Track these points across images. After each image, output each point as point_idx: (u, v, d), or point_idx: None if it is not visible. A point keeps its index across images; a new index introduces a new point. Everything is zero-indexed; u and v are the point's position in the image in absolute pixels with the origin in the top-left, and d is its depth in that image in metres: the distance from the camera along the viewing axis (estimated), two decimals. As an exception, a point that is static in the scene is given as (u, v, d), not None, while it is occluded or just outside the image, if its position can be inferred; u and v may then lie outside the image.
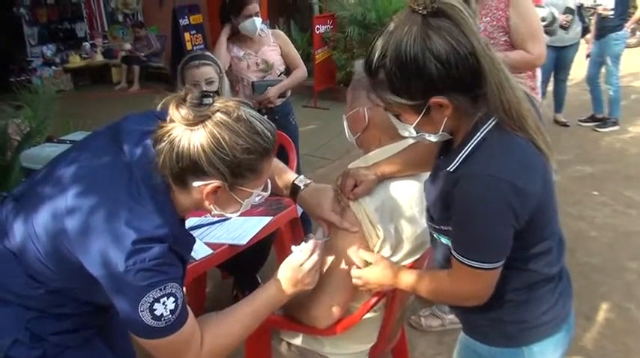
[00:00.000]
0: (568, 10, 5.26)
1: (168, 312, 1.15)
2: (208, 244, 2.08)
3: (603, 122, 5.82)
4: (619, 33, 5.53)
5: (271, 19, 7.22)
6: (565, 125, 5.93)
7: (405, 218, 1.50)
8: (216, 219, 2.21)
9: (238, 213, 1.30)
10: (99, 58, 10.60)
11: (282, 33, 3.54)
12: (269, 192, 1.33)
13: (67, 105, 4.87)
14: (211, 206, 1.25)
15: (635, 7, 5.94)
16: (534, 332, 1.26)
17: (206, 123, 1.14)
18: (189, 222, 2.19)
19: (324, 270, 1.49)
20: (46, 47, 10.51)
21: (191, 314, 1.24)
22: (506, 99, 1.09)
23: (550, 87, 5.90)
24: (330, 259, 1.49)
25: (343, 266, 1.48)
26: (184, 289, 1.23)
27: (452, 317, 2.66)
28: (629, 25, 5.72)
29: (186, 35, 8.22)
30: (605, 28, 5.54)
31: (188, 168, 1.16)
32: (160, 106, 1.20)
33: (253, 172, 1.21)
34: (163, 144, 1.16)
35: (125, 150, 1.22)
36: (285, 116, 3.38)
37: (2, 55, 9.57)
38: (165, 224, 1.16)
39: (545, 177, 1.15)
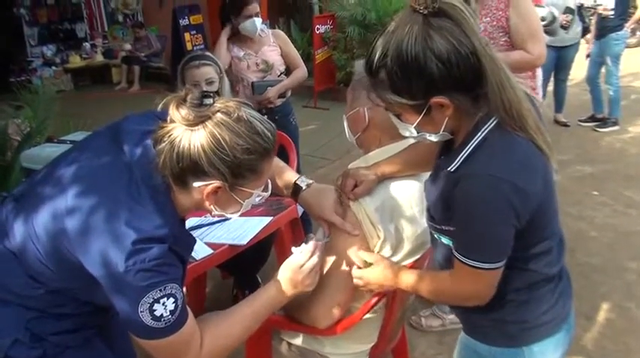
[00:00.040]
0: (568, 10, 5.26)
1: (168, 313, 1.15)
2: (208, 244, 2.09)
3: (603, 122, 5.82)
4: (619, 33, 5.53)
5: (271, 19, 7.22)
6: (565, 125, 5.93)
7: (405, 218, 1.50)
8: (216, 219, 2.21)
9: (239, 214, 1.30)
10: (99, 58, 10.60)
11: (282, 33, 3.54)
12: (269, 192, 1.33)
13: (67, 106, 4.87)
14: (212, 206, 1.25)
15: (635, 7, 5.94)
16: (534, 332, 1.26)
17: (206, 123, 1.14)
18: (190, 222, 2.19)
19: (325, 271, 1.49)
20: (46, 47, 10.52)
21: (191, 315, 1.24)
22: (507, 98, 1.09)
23: (550, 87, 5.90)
24: (330, 259, 1.49)
25: (344, 266, 1.48)
26: (184, 289, 1.23)
27: (452, 317, 2.66)
28: (629, 25, 5.72)
29: (187, 35, 8.22)
30: (606, 28, 5.54)
31: (188, 168, 1.16)
32: (160, 106, 1.20)
33: (253, 173, 1.21)
34: (164, 144, 1.16)
35: (125, 150, 1.22)
36: (285, 116, 3.38)
37: (2, 56, 9.57)
38: (166, 224, 1.16)
39: (546, 177, 1.15)
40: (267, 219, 2.27)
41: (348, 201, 1.49)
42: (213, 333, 1.29)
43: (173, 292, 1.15)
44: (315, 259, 1.39)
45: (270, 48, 3.33)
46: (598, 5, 5.60)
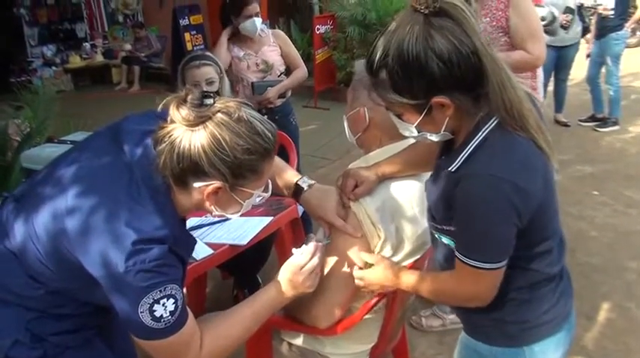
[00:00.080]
0: (568, 10, 5.26)
1: (168, 314, 1.15)
2: (209, 244, 2.08)
3: (603, 122, 5.82)
4: (619, 33, 5.53)
5: (271, 19, 7.22)
6: (565, 125, 5.93)
7: (405, 218, 1.50)
8: (216, 219, 2.21)
9: (239, 214, 1.30)
10: (99, 58, 10.60)
11: (282, 33, 3.54)
12: (270, 192, 1.33)
13: (67, 106, 4.87)
14: (212, 207, 1.24)
15: (635, 7, 5.94)
16: (535, 331, 1.26)
17: (207, 123, 1.13)
18: (190, 222, 2.19)
19: (326, 271, 1.49)
20: (47, 48, 10.51)
21: (191, 316, 1.24)
22: (507, 98, 1.09)
23: (550, 87, 5.90)
24: (331, 260, 1.49)
25: (345, 267, 1.48)
26: (184, 290, 1.23)
27: (452, 317, 2.66)
28: (629, 25, 5.72)
29: (187, 35, 8.22)
30: (606, 27, 5.55)
31: (189, 168, 1.15)
32: (160, 107, 1.20)
33: (254, 173, 1.20)
34: (164, 145, 1.16)
35: (126, 151, 1.22)
36: (285, 116, 3.38)
37: (2, 56, 9.57)
38: (166, 225, 1.16)
39: (547, 176, 1.15)
40: (267, 219, 2.27)
41: (348, 201, 1.48)
42: (213, 334, 1.29)
43: (173, 293, 1.15)
44: (315, 260, 1.39)
45: (270, 48, 3.34)
46: (598, 5, 5.60)
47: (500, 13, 2.51)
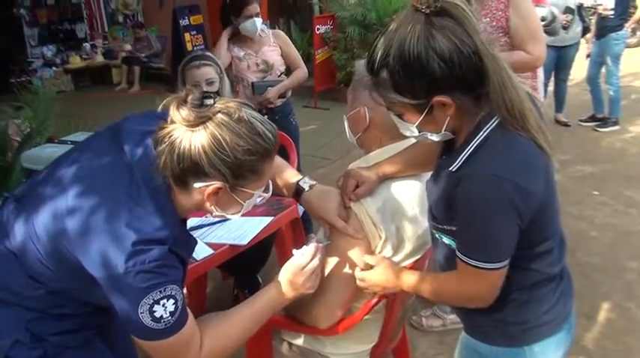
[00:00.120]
0: (568, 10, 5.26)
1: (168, 314, 1.15)
2: (209, 244, 2.08)
3: (604, 122, 5.82)
4: (619, 33, 5.53)
5: (271, 19, 7.22)
6: (566, 125, 5.93)
7: (406, 218, 1.50)
8: (217, 219, 2.21)
9: (240, 214, 1.30)
10: (99, 58, 10.60)
11: (282, 33, 3.54)
12: (270, 193, 1.33)
13: (67, 106, 4.87)
14: (212, 207, 1.24)
15: (636, 7, 5.93)
16: (536, 331, 1.26)
17: (207, 124, 1.13)
18: (191, 222, 2.19)
19: (327, 272, 1.49)
20: (47, 48, 10.52)
21: (191, 316, 1.24)
22: (508, 98, 1.09)
23: (550, 87, 5.90)
24: (332, 260, 1.49)
25: (346, 267, 1.48)
26: (185, 290, 1.23)
27: (453, 317, 2.67)
28: (629, 25, 5.72)
29: (187, 36, 8.23)
30: (606, 27, 5.55)
31: (189, 169, 1.15)
32: (160, 107, 1.20)
33: (254, 173, 1.20)
34: (164, 145, 1.15)
35: (126, 151, 1.22)
36: (285, 116, 3.38)
37: (2, 56, 9.57)
38: (166, 225, 1.16)
39: (547, 176, 1.15)
40: (267, 219, 2.27)
41: (349, 201, 1.48)
42: (213, 334, 1.29)
43: (173, 293, 1.15)
44: (316, 261, 1.39)
45: (271, 48, 3.34)
46: (598, 5, 5.60)
47: (500, 13, 2.51)
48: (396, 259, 1.50)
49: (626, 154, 5.13)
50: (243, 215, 1.32)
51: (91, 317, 1.37)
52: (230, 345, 1.32)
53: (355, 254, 1.47)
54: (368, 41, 7.00)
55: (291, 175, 1.60)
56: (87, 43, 10.72)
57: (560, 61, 5.67)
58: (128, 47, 10.07)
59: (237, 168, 1.16)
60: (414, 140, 1.44)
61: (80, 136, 2.80)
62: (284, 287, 1.39)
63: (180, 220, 1.28)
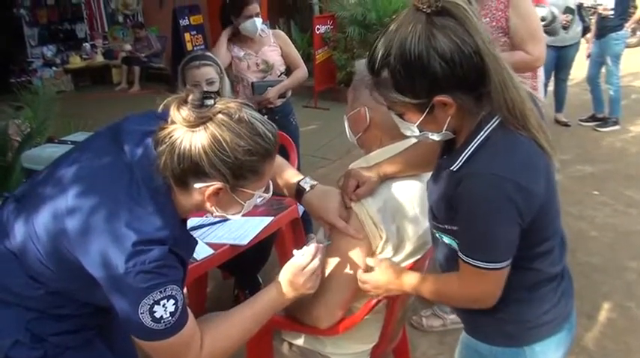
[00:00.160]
0: (568, 10, 5.26)
1: (168, 315, 1.15)
2: (209, 244, 2.08)
3: (604, 122, 5.83)
4: (619, 33, 5.54)
5: (271, 19, 7.22)
6: (566, 125, 5.93)
7: (407, 218, 1.49)
8: (217, 219, 2.21)
9: (240, 215, 1.30)
10: (99, 58, 10.60)
11: (282, 33, 3.54)
12: (271, 193, 1.33)
13: (67, 106, 4.87)
14: (213, 207, 1.24)
15: (636, 7, 5.94)
16: (536, 331, 1.26)
17: (207, 124, 1.13)
18: (191, 222, 2.19)
19: (327, 272, 1.49)
20: (47, 48, 10.51)
21: (191, 317, 1.23)
22: (509, 98, 1.09)
23: (550, 87, 5.89)
24: (332, 261, 1.49)
25: (346, 267, 1.48)
26: (185, 290, 1.23)
27: (453, 317, 2.67)
28: (629, 25, 5.72)
29: (187, 36, 8.23)
30: (606, 27, 5.55)
31: (189, 169, 1.15)
32: (160, 108, 1.20)
33: (255, 174, 1.20)
34: (164, 145, 1.15)
35: (126, 151, 1.22)
36: (285, 116, 3.38)
37: (2, 56, 9.57)
38: (166, 226, 1.16)
39: (548, 176, 1.15)
40: (267, 219, 2.27)
41: (350, 202, 1.48)
42: (213, 335, 1.29)
43: (173, 294, 1.15)
44: (316, 262, 1.39)
45: (271, 48, 3.34)
46: (598, 5, 5.60)
47: (500, 13, 2.51)
48: (396, 259, 1.50)
49: (627, 154, 5.14)
50: (243, 215, 1.32)
51: (91, 317, 1.37)
52: (230, 345, 1.32)
53: (356, 254, 1.47)
54: (368, 41, 7.00)
55: (291, 175, 1.60)
56: (87, 43, 10.72)
57: (560, 60, 5.67)
58: (128, 47, 10.06)
59: (238, 169, 1.16)
60: (414, 140, 1.44)
61: (80, 136, 2.80)
62: (284, 287, 1.39)
63: (180, 220, 1.28)
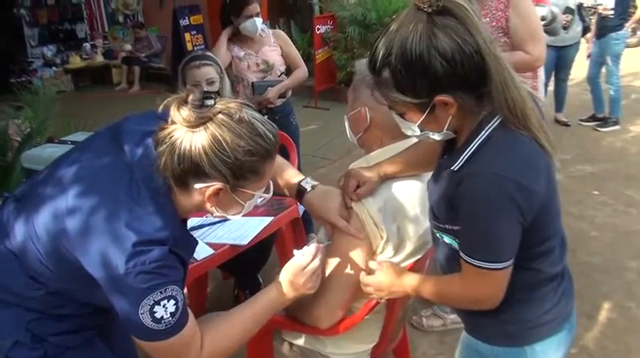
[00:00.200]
0: (568, 10, 5.26)
1: (169, 315, 1.15)
2: (210, 244, 2.08)
3: (604, 121, 5.83)
4: (619, 32, 5.54)
5: (271, 19, 7.22)
6: (566, 124, 5.93)
7: (407, 218, 1.49)
8: (217, 219, 2.21)
9: (240, 215, 1.30)
10: (99, 58, 10.60)
11: (282, 33, 3.54)
12: (271, 193, 1.33)
13: (67, 106, 4.87)
14: (213, 208, 1.24)
15: (636, 7, 5.93)
16: (537, 331, 1.26)
17: (208, 124, 1.13)
18: (191, 222, 2.19)
19: (328, 272, 1.49)
20: (47, 48, 10.51)
21: (191, 317, 1.23)
22: (510, 97, 1.09)
23: (550, 86, 5.89)
24: (333, 261, 1.49)
25: (346, 267, 1.48)
26: (185, 290, 1.23)
27: (453, 316, 2.67)
28: (629, 25, 5.72)
29: (187, 36, 8.23)
30: (606, 27, 5.55)
31: (189, 169, 1.15)
32: (161, 108, 1.20)
33: (255, 174, 1.20)
34: (165, 146, 1.15)
35: (126, 151, 1.22)
36: (285, 116, 3.38)
37: (3, 56, 9.57)
38: (166, 226, 1.16)
39: (549, 176, 1.15)
40: (268, 219, 2.27)
41: (350, 201, 1.48)
42: (214, 335, 1.28)
43: (174, 294, 1.15)
44: (316, 262, 1.39)
45: (271, 48, 3.34)
46: (598, 5, 5.60)
47: (500, 13, 2.51)
48: (397, 259, 1.50)
49: (627, 154, 5.14)
50: (243, 215, 1.32)
51: (91, 317, 1.37)
52: (231, 345, 1.32)
53: (356, 254, 1.47)
54: (368, 41, 7.01)
55: (292, 175, 1.60)
56: (87, 43, 10.72)
57: (560, 60, 5.67)
58: (128, 47, 10.06)
59: (238, 169, 1.16)
60: (414, 140, 1.45)
61: (80, 136, 2.80)
62: (285, 287, 1.38)
63: (180, 220, 1.28)
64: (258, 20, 3.20)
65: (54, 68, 10.21)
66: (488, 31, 1.07)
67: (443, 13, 1.03)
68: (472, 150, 1.11)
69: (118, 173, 1.19)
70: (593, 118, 5.95)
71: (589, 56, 5.96)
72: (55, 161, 1.33)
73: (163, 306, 1.14)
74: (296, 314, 1.58)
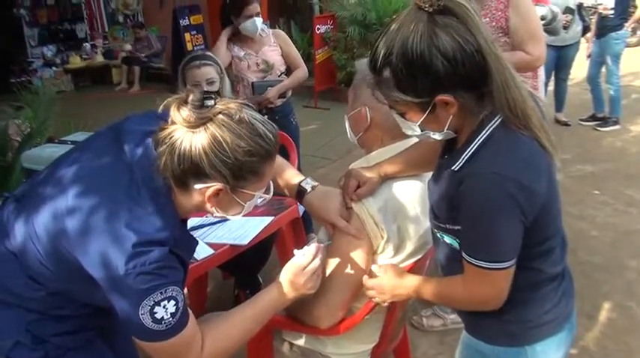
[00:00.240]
0: (568, 10, 5.26)
1: (169, 315, 1.15)
2: (210, 244, 2.08)
3: (604, 121, 5.83)
4: (619, 32, 5.54)
5: (271, 19, 7.22)
6: (566, 124, 5.93)
7: (408, 218, 1.49)
8: (217, 219, 2.21)
9: (240, 216, 1.30)
10: (99, 58, 10.60)
11: (282, 33, 3.54)
12: (271, 194, 1.33)
13: (67, 106, 4.87)
14: (213, 208, 1.24)
15: (635, 7, 5.93)
16: (537, 331, 1.26)
17: (208, 125, 1.13)
18: (191, 222, 2.19)
19: (328, 272, 1.48)
20: (47, 48, 10.52)
21: (192, 317, 1.23)
22: (511, 97, 1.09)
23: (550, 86, 5.89)
24: (333, 261, 1.49)
25: (347, 267, 1.48)
26: (185, 290, 1.23)
27: (454, 316, 2.67)
28: (629, 25, 5.72)
29: (187, 35, 8.24)
30: (606, 27, 5.55)
31: (189, 170, 1.15)
32: (161, 108, 1.20)
33: (255, 175, 1.20)
34: (165, 146, 1.15)
35: (126, 151, 1.22)
36: (285, 116, 3.38)
37: (3, 56, 9.57)
38: (166, 226, 1.16)
39: (550, 176, 1.15)
40: (268, 219, 2.26)
41: (350, 201, 1.48)
42: (214, 335, 1.28)
43: (174, 295, 1.15)
44: (317, 262, 1.38)
45: (271, 48, 3.34)
46: (598, 4, 5.60)
47: (499, 13, 2.51)
48: (397, 259, 1.50)
49: (627, 154, 5.14)
50: (243, 215, 1.32)
51: (91, 318, 1.37)
52: (231, 345, 1.32)
53: (357, 254, 1.47)
54: (368, 41, 7.01)
55: (292, 176, 1.60)
56: (87, 43, 10.72)
57: (560, 60, 5.67)
58: (128, 47, 10.06)
59: (238, 170, 1.16)
60: (415, 140, 1.44)
61: (80, 136, 2.80)
62: (285, 287, 1.38)
63: (180, 221, 1.27)
64: (258, 20, 3.20)
65: (54, 68, 10.21)
66: (488, 31, 1.07)
67: (444, 12, 1.03)
68: (473, 149, 1.11)
69: (118, 173, 1.19)
70: (593, 118, 5.95)
71: (589, 56, 5.96)
72: (55, 161, 1.33)
73: (164, 307, 1.14)
74: (296, 314, 1.58)
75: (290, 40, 3.49)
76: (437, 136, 1.16)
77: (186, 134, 1.14)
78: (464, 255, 1.17)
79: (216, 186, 1.17)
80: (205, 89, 2.65)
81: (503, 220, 1.09)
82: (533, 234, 1.15)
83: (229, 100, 1.19)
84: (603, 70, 5.80)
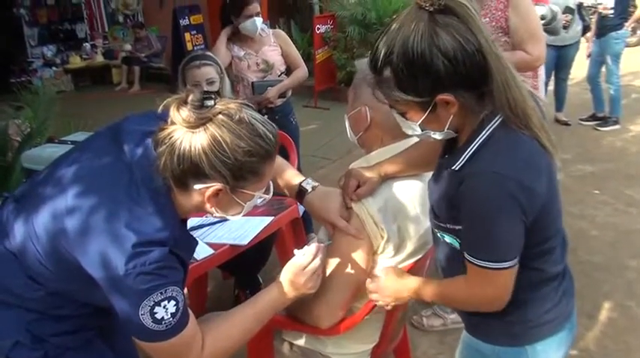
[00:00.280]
0: (568, 10, 5.26)
1: (169, 316, 1.15)
2: (210, 244, 2.08)
3: (604, 121, 5.83)
4: (619, 32, 5.54)
5: (271, 19, 7.23)
6: (566, 124, 5.93)
7: (408, 218, 1.49)
8: (217, 219, 2.21)
9: (240, 216, 1.30)
10: (99, 58, 10.60)
11: (282, 33, 3.54)
12: (271, 194, 1.32)
13: (67, 106, 4.86)
14: (213, 208, 1.24)
15: (635, 6, 5.92)
16: (537, 331, 1.26)
17: (207, 125, 1.13)
18: (191, 222, 2.19)
19: (328, 272, 1.48)
20: (47, 48, 10.52)
21: (192, 317, 1.23)
22: (512, 97, 1.09)
23: (551, 86, 5.89)
24: (333, 261, 1.49)
25: (347, 267, 1.48)
26: (185, 290, 1.23)
27: (454, 316, 2.67)
28: (629, 24, 5.72)
29: (187, 35, 8.24)
30: (606, 27, 5.55)
31: (189, 170, 1.15)
32: (161, 108, 1.20)
33: (255, 175, 1.20)
34: (164, 146, 1.15)
35: (126, 151, 1.22)
36: (285, 116, 3.38)
37: (2, 56, 9.57)
38: (166, 227, 1.16)
39: (550, 176, 1.15)
40: (268, 219, 2.26)
41: (350, 201, 1.48)
42: (215, 335, 1.28)
43: (174, 295, 1.15)
44: (317, 262, 1.38)
45: (271, 48, 3.34)
46: (598, 4, 5.60)
47: (499, 13, 2.51)
48: (397, 259, 1.50)
49: (627, 153, 5.14)
50: (243, 215, 1.32)
51: (90, 318, 1.37)
52: (231, 345, 1.32)
53: (357, 254, 1.47)
54: (368, 41, 7.01)
55: (292, 176, 1.60)
56: (87, 43, 10.72)
57: (560, 60, 5.67)
58: (128, 47, 10.07)
59: (238, 170, 1.16)
60: (415, 139, 1.44)
61: (80, 136, 2.80)
62: (285, 287, 1.38)
63: (180, 221, 1.27)
64: (258, 20, 3.20)
65: (54, 68, 10.21)
66: (489, 31, 1.07)
67: (445, 11, 1.03)
68: (473, 149, 1.11)
69: (118, 173, 1.19)
70: (593, 118, 5.95)
71: (589, 55, 5.96)
72: (55, 161, 1.32)
73: (164, 307, 1.14)
74: (296, 314, 1.58)
75: (290, 40, 3.49)
76: (437, 136, 1.16)
77: (185, 134, 1.14)
78: (466, 255, 1.17)
79: (215, 186, 1.17)
80: (205, 89, 2.65)
81: (504, 220, 1.09)
82: (534, 234, 1.14)
83: (229, 100, 1.19)
84: (603, 69, 5.81)
